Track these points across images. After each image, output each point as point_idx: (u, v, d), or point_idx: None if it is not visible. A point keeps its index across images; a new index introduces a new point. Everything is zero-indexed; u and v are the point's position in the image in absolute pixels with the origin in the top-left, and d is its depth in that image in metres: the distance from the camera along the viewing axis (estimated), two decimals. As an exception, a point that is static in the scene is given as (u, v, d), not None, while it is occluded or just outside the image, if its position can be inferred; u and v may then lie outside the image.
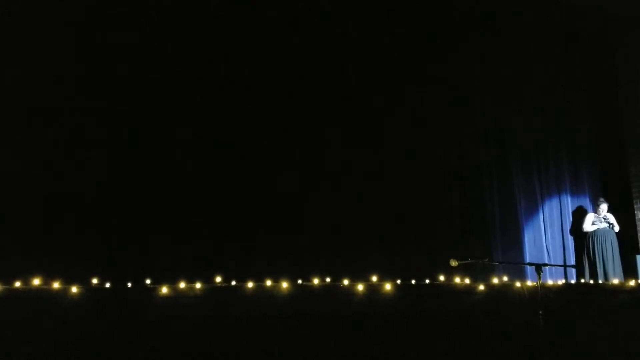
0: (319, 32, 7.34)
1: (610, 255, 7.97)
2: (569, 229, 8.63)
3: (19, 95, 5.92)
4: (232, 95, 6.83)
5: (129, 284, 4.95)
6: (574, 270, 8.25)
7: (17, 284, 4.56)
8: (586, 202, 8.77)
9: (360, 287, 5.06)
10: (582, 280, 8.03)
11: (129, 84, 6.35)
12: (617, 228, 8.14)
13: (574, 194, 8.81)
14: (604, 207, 8.22)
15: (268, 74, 7.01)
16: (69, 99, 6.09)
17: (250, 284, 4.88)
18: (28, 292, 4.44)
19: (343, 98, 7.28)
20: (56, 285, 4.51)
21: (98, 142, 6.17)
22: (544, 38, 8.71)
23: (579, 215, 8.59)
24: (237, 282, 5.07)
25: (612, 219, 8.16)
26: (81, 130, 6.13)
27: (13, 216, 5.60)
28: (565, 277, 8.12)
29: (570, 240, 8.58)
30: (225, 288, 4.96)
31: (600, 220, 8.18)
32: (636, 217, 8.64)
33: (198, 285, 4.75)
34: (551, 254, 8.36)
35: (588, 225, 8.26)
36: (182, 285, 4.72)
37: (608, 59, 9.11)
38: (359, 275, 5.39)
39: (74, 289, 4.45)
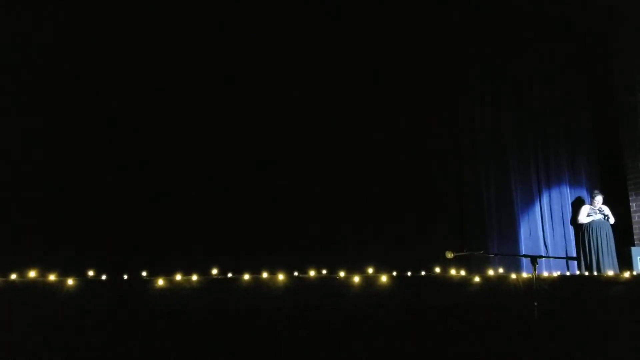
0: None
1: (606, 247, 8.02)
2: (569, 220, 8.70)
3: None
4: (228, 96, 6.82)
5: (125, 276, 4.94)
6: (575, 262, 8.30)
7: (13, 276, 4.56)
8: (583, 194, 8.82)
9: (356, 279, 5.07)
10: (577, 272, 8.08)
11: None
12: (612, 220, 8.18)
13: (572, 185, 8.84)
14: (599, 199, 8.25)
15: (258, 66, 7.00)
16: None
17: (246, 276, 4.88)
18: (24, 284, 4.44)
19: (340, 92, 7.27)
20: (52, 277, 4.51)
21: (95, 137, 6.15)
22: (542, 31, 8.71)
23: (577, 206, 8.63)
24: (233, 274, 5.08)
25: (607, 210, 8.20)
26: (80, 125, 6.11)
27: (9, 209, 5.60)
28: (568, 268, 8.17)
29: (571, 232, 8.63)
30: (221, 280, 4.96)
31: (595, 212, 8.22)
32: (631, 209, 8.68)
33: (194, 278, 4.75)
34: (549, 246, 8.39)
35: (583, 217, 8.29)
36: (178, 277, 4.72)
37: (605, 52, 9.13)
38: (356, 267, 5.40)
39: (70, 281, 4.45)
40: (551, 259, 8.10)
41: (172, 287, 4.66)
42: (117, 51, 6.31)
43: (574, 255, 8.36)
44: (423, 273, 5.75)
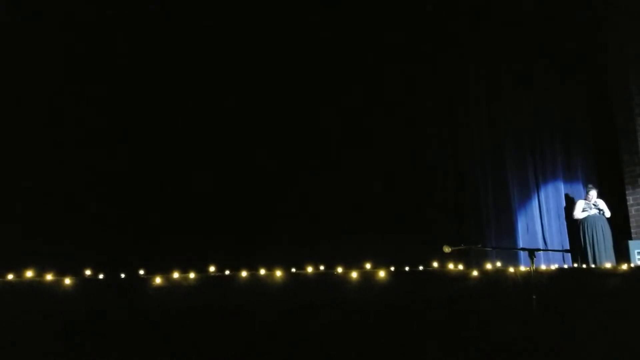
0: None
1: (602, 241, 8.02)
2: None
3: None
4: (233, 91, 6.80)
5: (122, 275, 4.92)
6: (569, 256, 8.32)
7: (10, 276, 4.54)
8: (580, 188, 8.85)
9: (354, 274, 5.06)
10: (575, 265, 8.09)
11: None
12: (607, 214, 8.19)
13: (568, 180, 8.87)
14: (593, 193, 8.26)
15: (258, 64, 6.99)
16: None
17: (243, 273, 4.87)
18: (21, 284, 4.42)
19: (334, 87, 7.26)
20: (49, 276, 4.48)
21: (93, 133, 6.13)
22: (538, 25, 8.72)
23: (571, 202, 8.65)
24: (230, 271, 5.06)
25: (602, 204, 8.21)
26: (78, 121, 6.09)
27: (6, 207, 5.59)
28: (564, 261, 8.19)
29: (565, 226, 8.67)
30: (219, 277, 4.95)
31: (590, 206, 8.23)
32: (628, 203, 8.70)
33: (192, 275, 4.73)
34: (547, 239, 8.42)
35: (578, 212, 8.30)
36: (175, 275, 4.70)
37: (601, 46, 9.15)
38: (353, 262, 5.40)
39: (67, 281, 4.42)
40: (549, 251, 8.11)
41: (170, 285, 4.64)
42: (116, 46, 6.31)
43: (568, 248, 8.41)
44: (421, 268, 5.74)
